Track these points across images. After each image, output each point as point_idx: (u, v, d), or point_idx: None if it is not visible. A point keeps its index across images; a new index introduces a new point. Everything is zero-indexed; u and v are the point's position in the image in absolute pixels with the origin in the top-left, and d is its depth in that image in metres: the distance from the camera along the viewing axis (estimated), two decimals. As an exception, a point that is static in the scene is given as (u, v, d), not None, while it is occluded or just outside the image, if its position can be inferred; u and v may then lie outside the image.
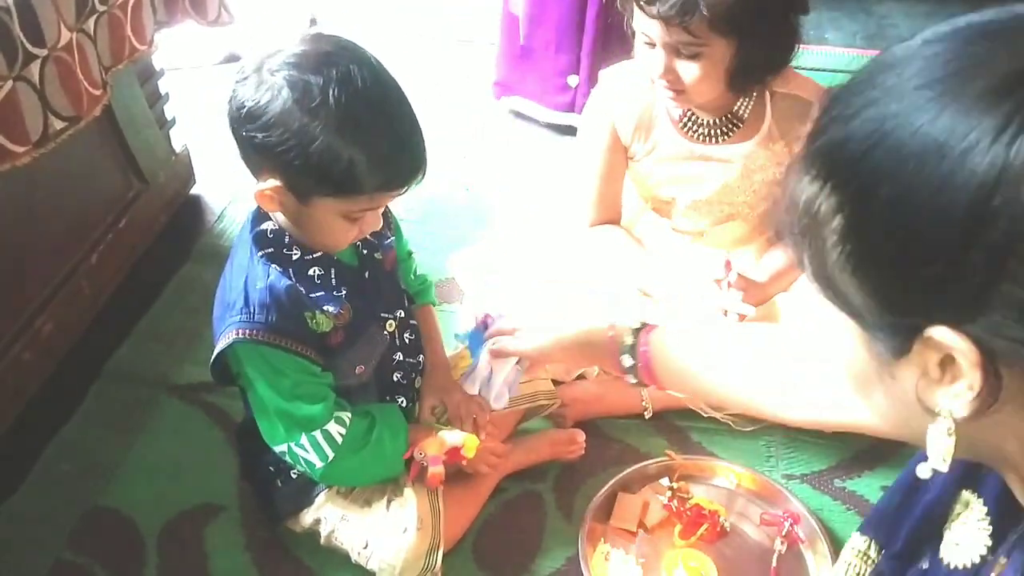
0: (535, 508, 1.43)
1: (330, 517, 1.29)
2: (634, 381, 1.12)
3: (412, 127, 1.07)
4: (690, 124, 1.52)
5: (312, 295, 1.16)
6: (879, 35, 2.81)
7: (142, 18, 1.63)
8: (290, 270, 1.15)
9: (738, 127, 1.50)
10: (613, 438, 1.53)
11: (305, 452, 1.19)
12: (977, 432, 0.57)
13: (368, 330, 1.24)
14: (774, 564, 1.33)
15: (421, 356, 1.36)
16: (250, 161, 1.09)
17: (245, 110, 1.02)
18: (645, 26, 1.35)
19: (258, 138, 1.02)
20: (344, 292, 1.19)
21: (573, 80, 2.21)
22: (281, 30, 2.76)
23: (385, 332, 1.27)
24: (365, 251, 1.25)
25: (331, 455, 1.19)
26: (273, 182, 1.06)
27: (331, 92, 0.98)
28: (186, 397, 1.61)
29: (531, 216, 1.84)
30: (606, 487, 1.40)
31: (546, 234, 1.75)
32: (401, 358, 1.32)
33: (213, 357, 1.17)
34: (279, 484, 1.30)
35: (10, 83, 1.29)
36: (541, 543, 1.38)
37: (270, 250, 1.15)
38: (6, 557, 1.37)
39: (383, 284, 1.28)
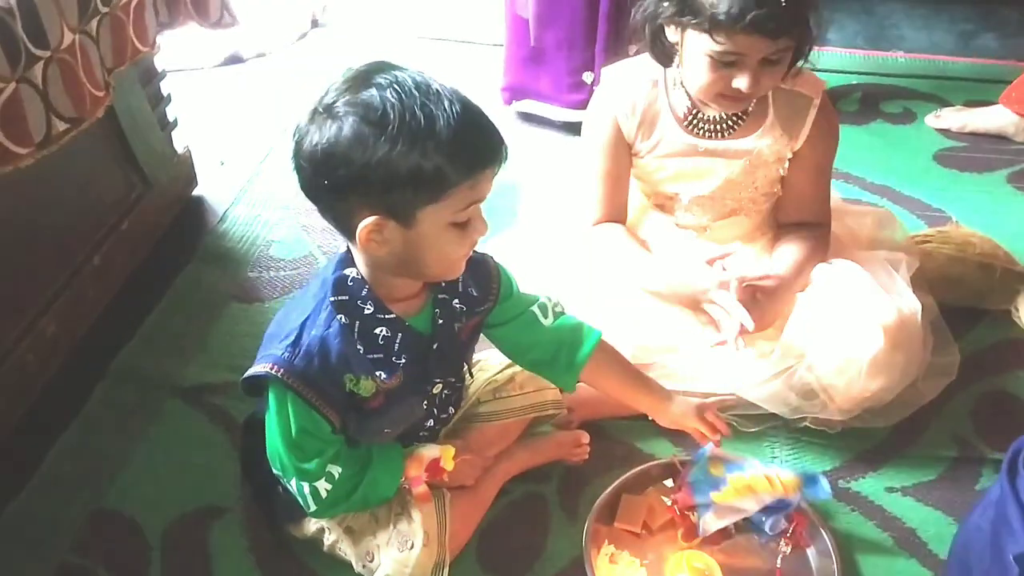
0: (539, 510, 1.42)
1: (333, 528, 1.28)
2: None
3: (473, 106, 1.05)
4: (695, 121, 1.53)
5: (369, 356, 1.14)
6: (881, 36, 2.81)
7: (144, 19, 1.63)
8: (357, 323, 1.13)
9: (743, 122, 1.51)
10: (618, 440, 1.52)
11: (295, 492, 1.19)
12: None
13: (409, 400, 1.22)
14: (778, 565, 1.33)
15: (451, 409, 1.35)
16: (343, 206, 1.04)
17: (319, 154, 1.00)
18: (737, 46, 1.32)
19: (341, 173, 0.99)
20: (403, 360, 1.16)
21: (588, 76, 2.21)
22: (283, 31, 2.77)
23: (424, 403, 1.26)
24: (442, 320, 1.20)
25: (313, 507, 1.19)
26: (372, 218, 1.03)
27: (388, 97, 0.97)
28: (190, 399, 1.60)
29: (546, 217, 1.84)
30: (610, 488, 1.40)
31: (557, 234, 1.75)
32: (432, 423, 1.32)
33: (245, 375, 1.15)
34: (280, 491, 1.29)
35: (13, 85, 1.29)
36: (545, 545, 1.37)
37: (345, 298, 1.12)
38: (10, 560, 1.37)
39: (451, 356, 1.25)
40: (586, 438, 1.47)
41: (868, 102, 2.46)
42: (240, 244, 1.96)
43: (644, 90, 1.54)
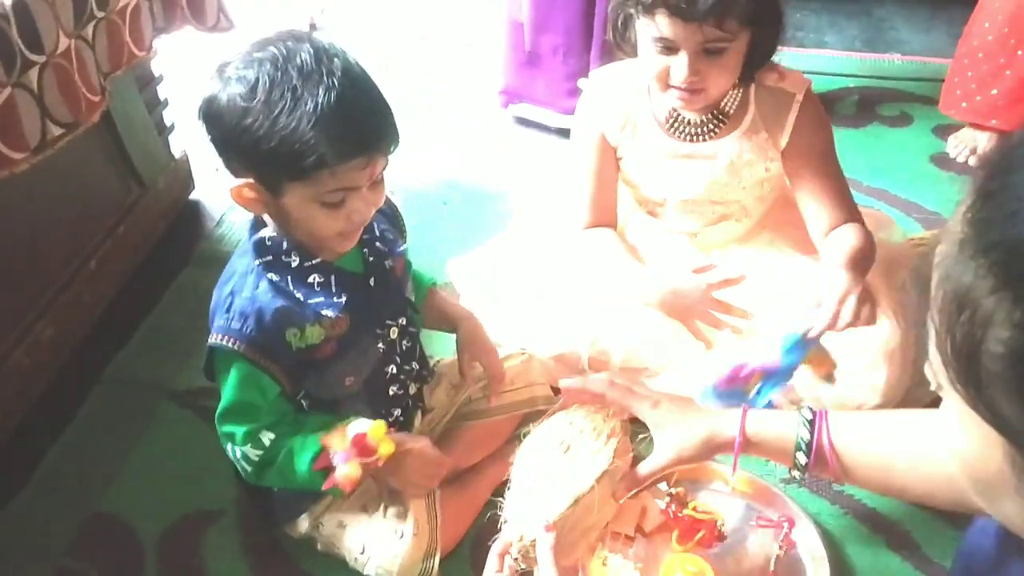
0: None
1: (327, 523, 1.29)
2: (799, 476, 1.08)
3: (365, 93, 1.06)
4: (676, 124, 1.52)
5: (310, 300, 1.15)
6: (879, 38, 2.81)
7: (141, 24, 1.63)
8: (288, 277, 1.15)
9: (724, 123, 1.51)
10: (611, 442, 1.53)
11: (232, 459, 1.21)
12: None
13: (362, 342, 1.23)
14: (772, 568, 1.32)
15: (415, 364, 1.35)
16: (226, 162, 1.10)
17: (203, 108, 1.06)
18: (668, 31, 1.33)
19: (215, 133, 1.06)
20: (344, 299, 1.18)
21: (583, 83, 2.20)
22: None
23: (379, 344, 1.26)
24: (372, 258, 1.23)
25: (248, 470, 1.20)
26: (245, 179, 1.07)
27: (266, 71, 1.01)
28: (185, 402, 1.61)
29: (535, 220, 1.84)
30: (604, 492, 1.40)
31: (545, 238, 1.75)
32: (395, 371, 1.31)
33: (204, 357, 1.19)
34: (275, 489, 1.30)
35: (8, 90, 1.29)
36: (539, 548, 1.37)
37: (268, 258, 1.15)
38: (6, 563, 1.37)
39: (390, 291, 1.27)
40: (579, 441, 1.47)
41: (865, 105, 2.46)
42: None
43: (627, 95, 1.55)
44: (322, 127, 1.00)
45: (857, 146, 2.27)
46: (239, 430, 1.17)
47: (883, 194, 2.12)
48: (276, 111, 1.00)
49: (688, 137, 1.53)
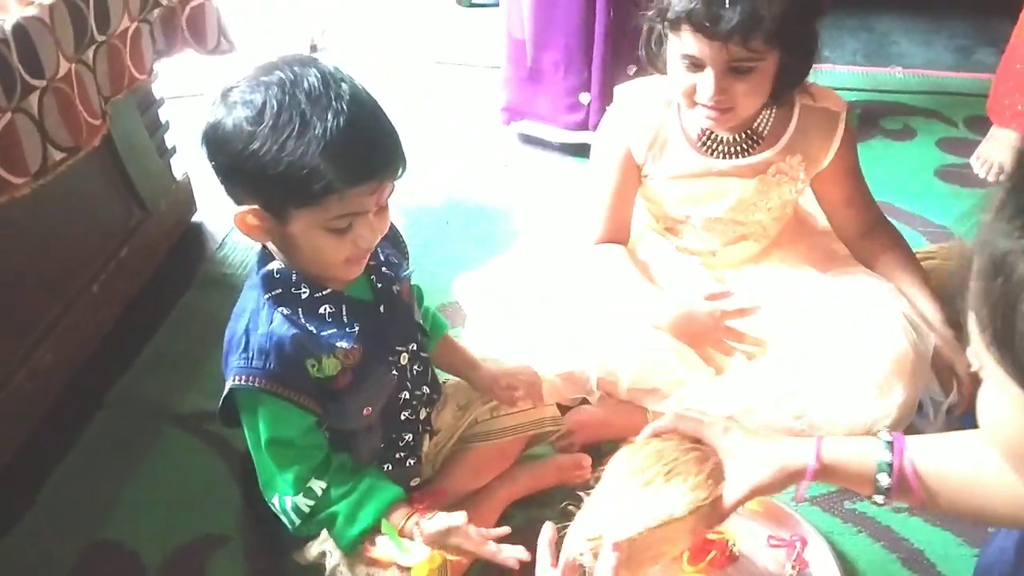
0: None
1: (335, 551, 1.27)
2: (882, 500, 1.04)
3: (373, 118, 1.05)
4: (709, 142, 1.51)
5: (323, 333, 1.13)
6: (880, 52, 2.81)
7: (141, 48, 1.63)
8: (299, 310, 1.13)
9: (758, 143, 1.50)
10: (620, 462, 1.51)
11: (278, 510, 1.18)
12: None
13: (377, 371, 1.21)
14: (785, 589, 1.31)
15: (426, 387, 1.33)
16: (230, 189, 1.08)
17: (207, 134, 1.05)
18: (694, 48, 1.33)
19: (221, 159, 1.04)
20: (356, 328, 1.16)
21: (585, 98, 2.20)
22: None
23: (393, 372, 1.24)
24: (380, 284, 1.22)
25: (297, 522, 1.17)
26: (250, 206, 1.06)
27: (273, 95, 1.00)
28: (189, 427, 1.59)
29: (541, 238, 1.83)
30: (613, 513, 1.38)
31: (552, 256, 1.74)
32: (408, 396, 1.29)
33: (221, 400, 1.16)
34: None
35: (9, 115, 1.29)
36: (548, 571, 1.35)
37: (278, 291, 1.13)
38: (8, 591, 1.36)
39: (399, 316, 1.25)
40: (588, 461, 1.46)
41: (868, 119, 2.45)
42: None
43: (657, 111, 1.54)
44: (331, 152, 0.99)
45: (861, 160, 2.23)
46: (286, 477, 1.15)
47: (888, 208, 2.10)
48: (284, 135, 0.99)
49: (720, 155, 1.52)
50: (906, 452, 1.01)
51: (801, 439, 1.09)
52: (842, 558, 1.34)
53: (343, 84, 1.02)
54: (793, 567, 1.32)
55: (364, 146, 1.02)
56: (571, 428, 1.49)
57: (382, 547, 1.16)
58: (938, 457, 1.01)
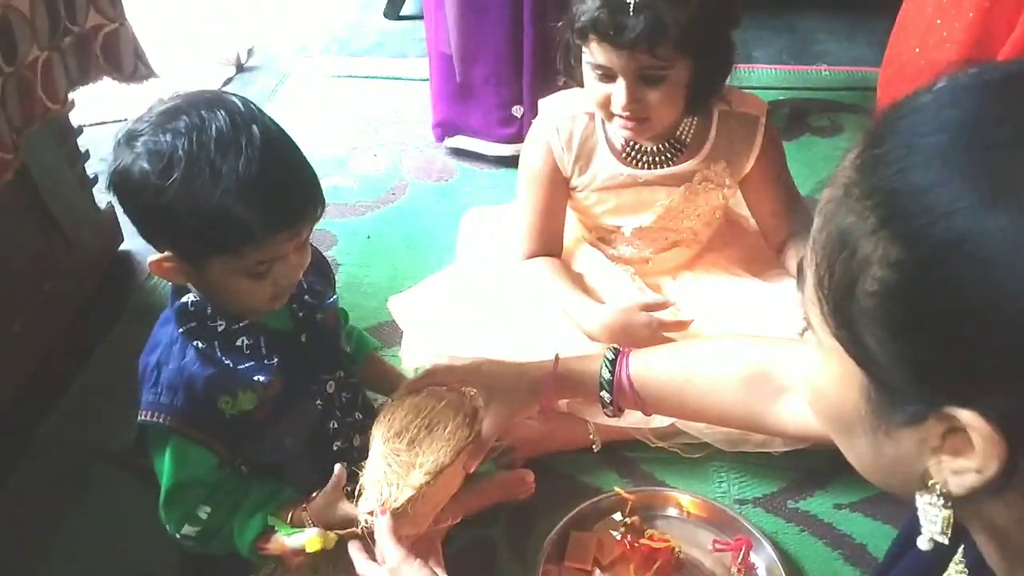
0: (487, 553, 1.39)
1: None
2: (610, 412, 1.16)
3: (286, 161, 1.02)
4: (633, 153, 1.52)
5: (240, 367, 1.11)
6: (804, 51, 2.85)
7: (54, 77, 1.58)
8: (215, 343, 1.10)
9: (681, 151, 1.51)
10: (563, 474, 1.51)
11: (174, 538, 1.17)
12: (967, 504, 0.54)
13: (298, 402, 1.18)
14: (731, 593, 1.31)
15: (358, 414, 1.30)
16: (143, 231, 1.05)
17: (114, 179, 1.00)
18: (603, 58, 1.33)
19: (129, 206, 1.01)
20: (276, 360, 1.13)
21: (518, 110, 2.19)
22: (206, 77, 2.73)
23: (317, 401, 1.22)
24: (301, 313, 1.19)
25: (188, 545, 1.17)
26: (164, 253, 1.03)
27: (180, 145, 0.95)
28: (121, 464, 1.55)
29: (477, 253, 1.82)
30: (558, 526, 1.37)
31: (489, 271, 1.73)
32: (337, 425, 1.26)
33: (136, 432, 1.13)
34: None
35: (-89, 153, 1.24)
36: (495, 589, 1.34)
37: (192, 324, 1.10)
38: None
39: (322, 345, 1.22)
40: (531, 476, 1.44)
41: (796, 116, 2.48)
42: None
43: (580, 123, 1.54)
44: (245, 202, 0.96)
45: (791, 157, 2.23)
46: (175, 515, 1.13)
47: (817, 203, 2.12)
48: (194, 187, 0.95)
49: (644, 165, 1.52)
50: (624, 367, 1.13)
51: (543, 360, 1.18)
52: (787, 557, 1.35)
53: (253, 127, 0.98)
54: (739, 570, 1.33)
55: (279, 194, 0.99)
56: (513, 444, 1.48)
57: (274, 540, 1.14)
58: (655, 367, 1.13)
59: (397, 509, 1.04)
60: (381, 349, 1.54)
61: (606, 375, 1.14)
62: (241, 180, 0.95)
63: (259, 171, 0.96)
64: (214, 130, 0.96)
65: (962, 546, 0.70)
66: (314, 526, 1.12)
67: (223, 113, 0.98)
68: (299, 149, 1.05)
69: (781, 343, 1.10)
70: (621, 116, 1.39)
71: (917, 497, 0.55)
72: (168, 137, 0.96)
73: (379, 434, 1.12)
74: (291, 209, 1.01)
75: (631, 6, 1.27)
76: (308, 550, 1.09)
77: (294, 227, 1.02)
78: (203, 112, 0.97)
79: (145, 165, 0.97)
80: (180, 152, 0.95)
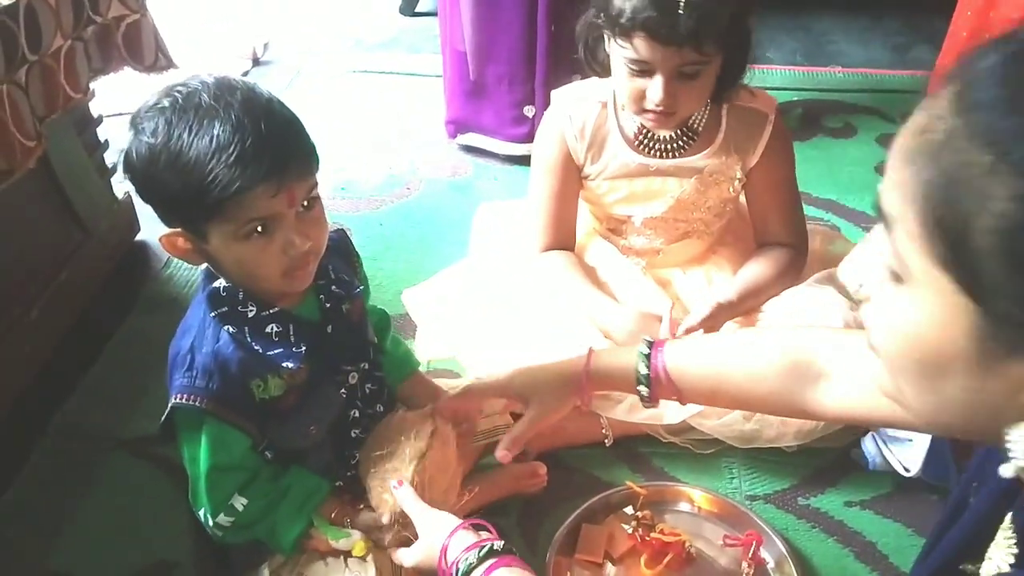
0: (499, 545, 1.40)
1: (286, 574, 1.25)
2: (650, 404, 1.18)
3: (269, 119, 1.02)
4: (645, 141, 1.52)
5: (269, 352, 1.12)
6: (819, 52, 2.86)
7: (76, 66, 1.60)
8: (246, 328, 1.12)
9: (693, 140, 1.52)
10: (575, 468, 1.51)
11: (201, 519, 1.19)
12: None
13: (323, 390, 1.20)
14: (741, 588, 1.32)
15: (380, 406, 1.31)
16: (156, 211, 1.09)
17: (122, 160, 1.06)
18: (646, 54, 1.33)
19: (137, 186, 1.06)
20: (303, 349, 1.15)
21: (529, 111, 2.20)
22: (224, 70, 2.74)
23: (342, 390, 1.23)
24: (328, 303, 1.21)
25: (219, 535, 1.19)
26: (173, 229, 1.07)
27: (168, 116, 1.01)
28: (136, 451, 1.56)
29: (488, 249, 1.83)
30: (569, 519, 1.38)
31: (501, 266, 1.74)
32: (358, 415, 1.27)
33: (164, 416, 1.15)
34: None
35: (-62, 139, 1.26)
36: (507, 580, 1.35)
37: (224, 309, 1.12)
38: (-48, 628, 1.32)
39: (347, 337, 1.24)
40: (543, 469, 1.45)
41: (809, 118, 2.49)
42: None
43: (593, 112, 1.54)
44: (221, 157, 0.98)
45: (803, 158, 2.25)
46: (214, 500, 1.16)
47: (832, 204, 2.14)
48: (178, 151, 0.99)
49: (658, 153, 1.53)
50: (659, 360, 1.14)
51: (576, 356, 1.21)
52: (797, 554, 1.35)
53: (237, 92, 1.02)
54: (749, 565, 1.33)
55: (255, 145, 1.00)
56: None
57: (318, 538, 1.21)
58: (692, 358, 1.15)
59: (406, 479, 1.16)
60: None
61: (643, 369, 1.15)
62: (215, 137, 0.99)
63: (234, 128, 0.99)
64: (198, 99, 1.01)
65: (1010, 512, 0.71)
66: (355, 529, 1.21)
67: (211, 85, 1.03)
68: (289, 110, 1.07)
69: (817, 330, 1.12)
70: (649, 110, 1.40)
71: (1010, 431, 0.57)
72: (159, 111, 1.02)
73: (363, 458, 1.24)
74: (267, 161, 1.01)
75: (680, 4, 1.27)
76: (355, 554, 1.19)
77: (273, 178, 1.01)
78: (193, 84, 1.03)
79: (142, 138, 1.02)
80: (166, 122, 1.00)
